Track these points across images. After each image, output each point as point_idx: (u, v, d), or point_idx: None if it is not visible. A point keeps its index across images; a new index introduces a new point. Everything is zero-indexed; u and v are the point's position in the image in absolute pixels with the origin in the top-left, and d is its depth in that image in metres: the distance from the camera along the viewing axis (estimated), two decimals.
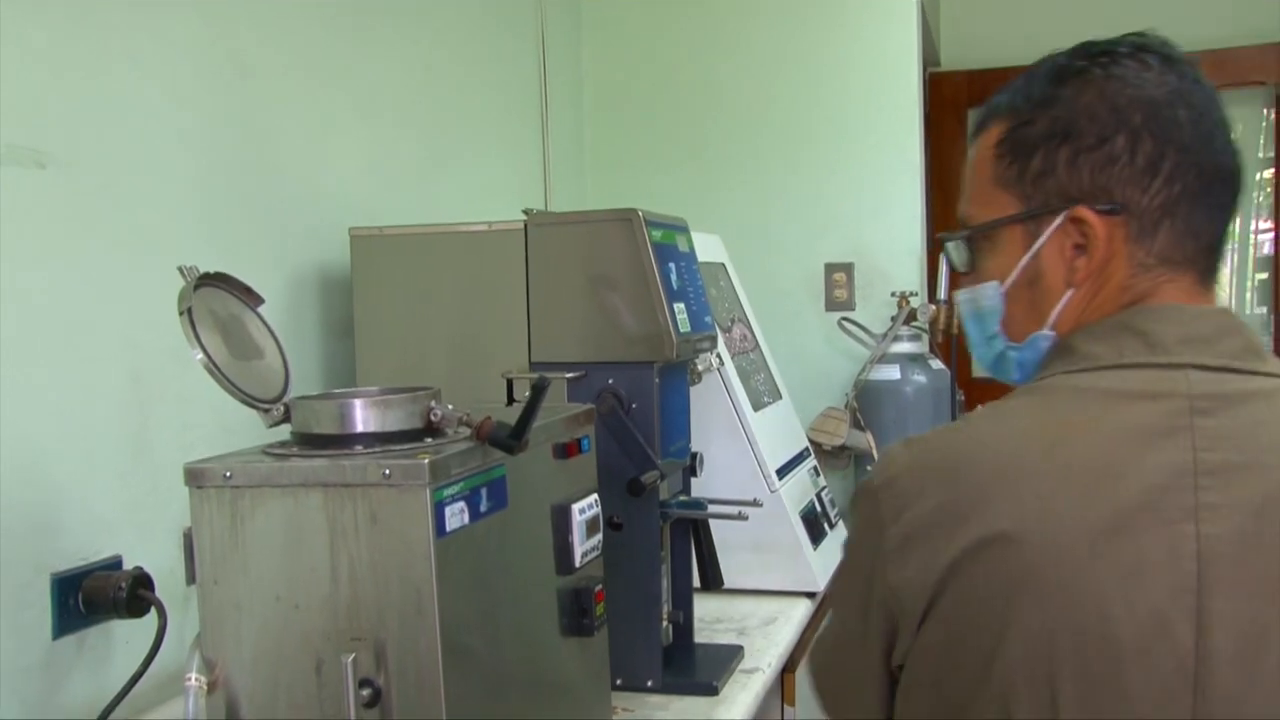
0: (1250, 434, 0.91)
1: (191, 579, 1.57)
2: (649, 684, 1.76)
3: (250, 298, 1.35)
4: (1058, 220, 1.00)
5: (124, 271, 1.52)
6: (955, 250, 1.09)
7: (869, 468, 1.04)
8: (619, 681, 1.72)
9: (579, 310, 1.75)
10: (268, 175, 1.86)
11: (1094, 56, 1.02)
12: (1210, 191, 0.99)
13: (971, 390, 3.30)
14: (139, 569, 1.43)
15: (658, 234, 1.77)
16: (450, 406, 1.24)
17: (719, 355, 2.24)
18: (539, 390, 1.20)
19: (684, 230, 1.92)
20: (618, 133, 3.26)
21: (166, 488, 1.56)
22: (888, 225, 3.09)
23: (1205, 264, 1.01)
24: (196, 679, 1.17)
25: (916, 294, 3.04)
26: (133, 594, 1.40)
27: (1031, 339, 1.04)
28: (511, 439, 1.20)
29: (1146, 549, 0.87)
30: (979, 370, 3.93)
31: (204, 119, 1.70)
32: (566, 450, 1.41)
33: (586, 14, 3.29)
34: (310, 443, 1.22)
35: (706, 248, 2.34)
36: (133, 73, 1.55)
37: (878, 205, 3.09)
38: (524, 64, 2.92)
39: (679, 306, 1.76)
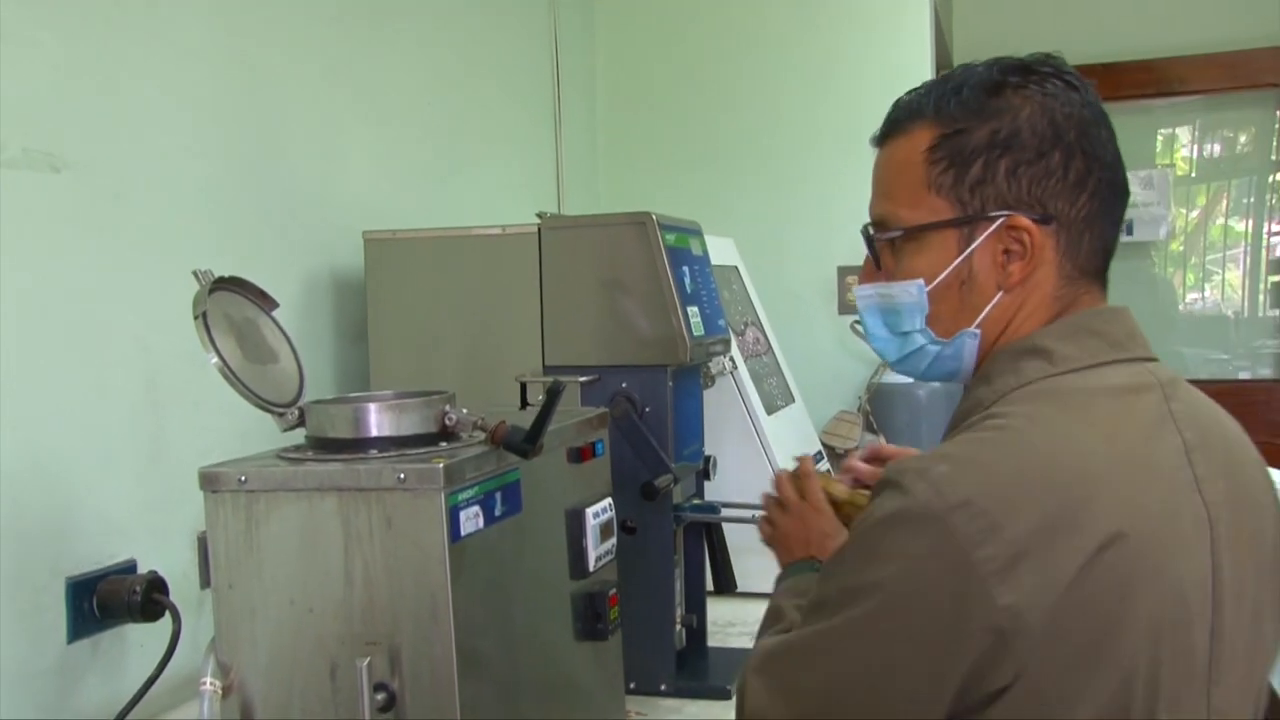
0: (1196, 412, 1.05)
1: (205, 583, 1.57)
2: (662, 687, 1.76)
3: (265, 302, 1.35)
4: (993, 226, 1.04)
5: (138, 275, 1.52)
6: (878, 247, 1.12)
7: (893, 495, 0.94)
8: (632, 685, 1.72)
9: (592, 314, 1.75)
10: (281, 179, 1.86)
11: (1025, 74, 1.05)
12: (1116, 207, 1.07)
13: None
14: (153, 573, 1.44)
15: (671, 237, 1.77)
16: (465, 410, 1.24)
17: (732, 359, 2.23)
18: (554, 394, 1.20)
19: (697, 233, 1.92)
20: (630, 136, 3.26)
21: (180, 492, 1.56)
22: None
23: (1105, 273, 1.10)
24: (211, 683, 1.17)
25: None
26: (147, 598, 1.40)
27: (958, 337, 1.08)
28: (526, 443, 1.20)
29: (1188, 529, 0.95)
30: None
31: (218, 123, 1.71)
32: (581, 454, 1.41)
33: (599, 17, 3.29)
34: (325, 447, 1.22)
35: (719, 251, 2.33)
36: (147, 78, 1.56)
37: None
38: (537, 67, 2.92)
39: (692, 310, 1.75)
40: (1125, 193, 1.08)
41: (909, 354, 1.13)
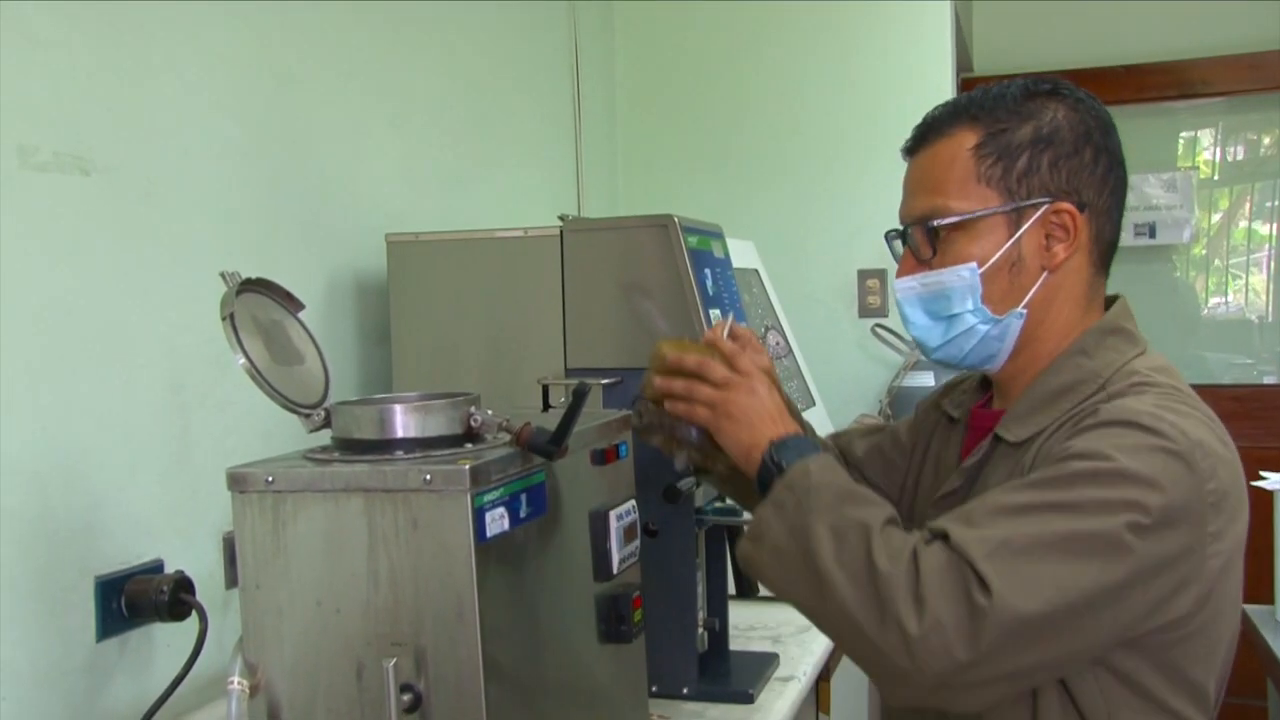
0: None
1: (231, 583, 1.59)
2: (685, 691, 1.76)
3: (291, 303, 1.36)
4: (1039, 212, 1.18)
5: (166, 277, 1.53)
6: (923, 239, 1.22)
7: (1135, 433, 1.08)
8: (655, 688, 1.72)
9: (614, 316, 1.76)
10: (306, 182, 1.87)
11: (1053, 86, 1.21)
12: (1124, 202, 1.24)
13: None
14: (180, 573, 1.45)
15: (693, 240, 1.77)
16: (490, 412, 1.24)
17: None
18: (580, 395, 1.20)
19: (719, 236, 1.92)
20: (650, 138, 3.27)
21: (207, 492, 1.57)
22: None
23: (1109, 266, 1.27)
24: (239, 682, 1.18)
25: None
26: (174, 597, 1.41)
27: (1008, 316, 1.20)
28: (551, 444, 1.20)
29: None
30: None
31: (244, 127, 1.72)
32: (605, 456, 1.41)
33: (619, 21, 3.29)
34: (351, 448, 1.22)
35: (739, 254, 2.33)
36: (174, 82, 1.57)
37: None
38: (557, 70, 2.93)
39: (714, 312, 1.75)
40: (1128, 191, 1.25)
41: (955, 336, 1.22)
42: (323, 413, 1.28)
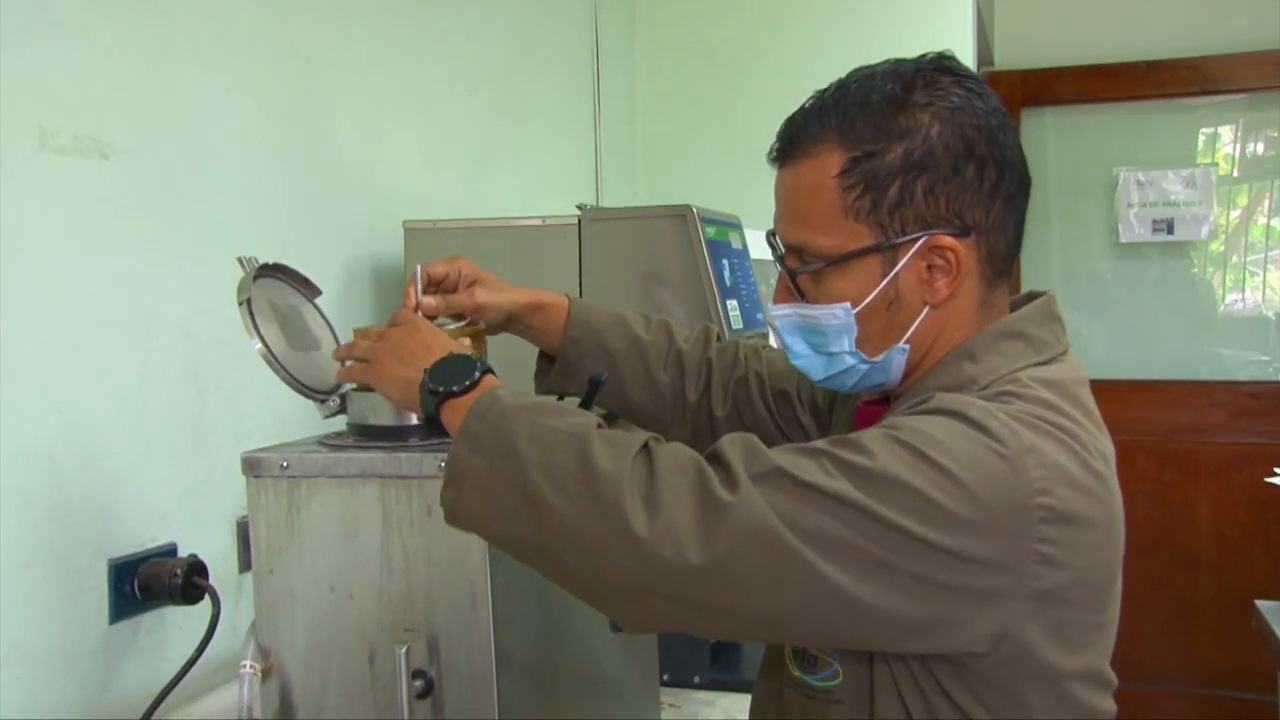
0: None
1: (244, 567, 1.60)
2: (696, 680, 1.76)
3: (308, 289, 1.36)
4: (915, 246, 1.04)
5: (183, 261, 1.53)
6: (796, 278, 1.09)
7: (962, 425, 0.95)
8: (666, 677, 1.72)
9: (632, 305, 1.74)
10: (325, 167, 1.87)
11: (928, 87, 1.04)
12: (1023, 201, 1.08)
13: None
14: (193, 556, 1.45)
15: (711, 230, 1.77)
16: None
17: (770, 345, 2.22)
18: (595, 384, 1.20)
19: (737, 227, 1.92)
20: (669, 128, 3.26)
21: (221, 477, 1.57)
22: None
23: (1010, 273, 1.12)
24: (252, 665, 1.18)
25: None
26: (187, 581, 1.41)
27: (888, 354, 1.08)
28: None
29: None
30: None
31: (264, 111, 1.72)
32: None
33: (640, 10, 3.29)
34: (366, 434, 1.22)
35: (757, 245, 2.33)
36: (195, 65, 1.57)
37: None
38: (577, 60, 2.92)
39: (732, 303, 1.75)
40: (1029, 186, 1.09)
41: (836, 373, 1.12)
42: (338, 399, 1.28)
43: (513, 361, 1.40)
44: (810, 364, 1.13)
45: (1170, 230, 3.91)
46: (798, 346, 1.13)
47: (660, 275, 1.73)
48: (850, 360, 1.09)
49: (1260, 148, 3.98)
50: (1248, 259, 4.03)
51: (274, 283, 1.31)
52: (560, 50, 2.85)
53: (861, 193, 1.03)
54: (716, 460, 0.95)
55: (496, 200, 2.40)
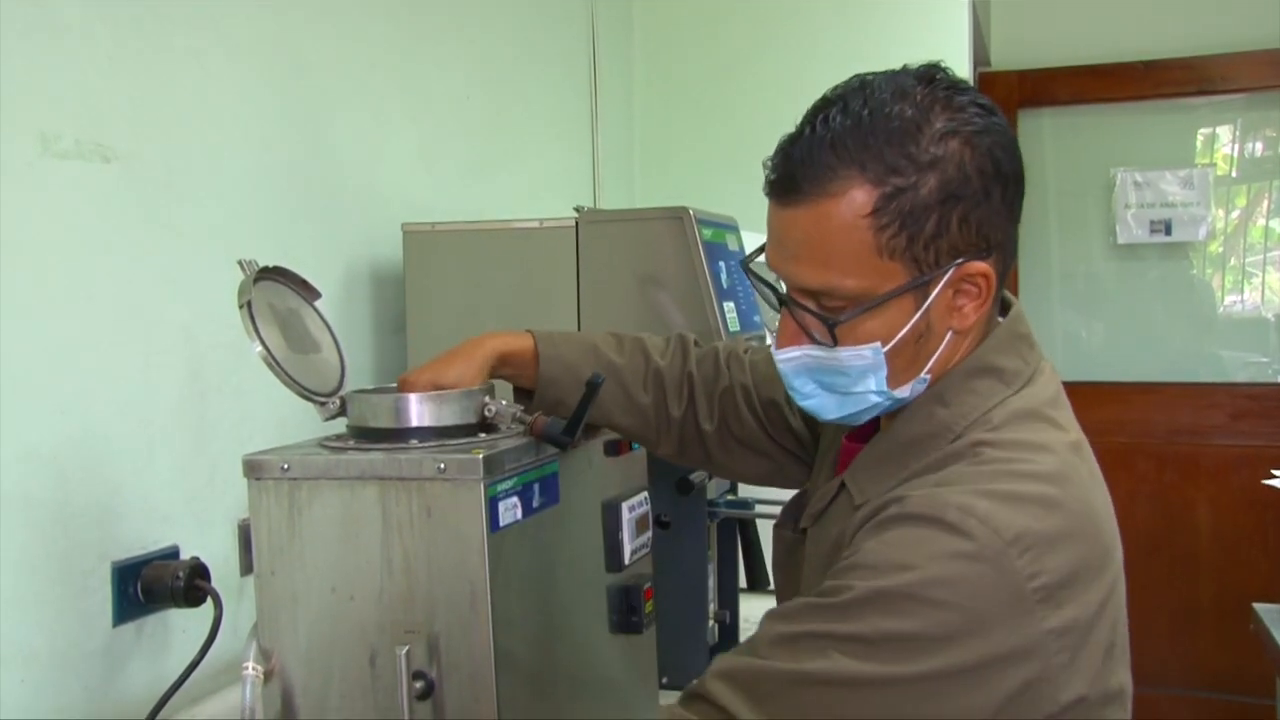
0: None
1: (246, 569, 1.60)
2: (695, 683, 1.76)
3: (308, 292, 1.37)
4: (947, 277, 1.01)
5: (184, 265, 1.54)
6: (816, 323, 1.04)
7: (940, 534, 0.95)
8: (665, 680, 1.73)
9: (629, 308, 1.76)
10: (324, 171, 1.88)
11: (943, 109, 1.00)
12: (1021, 208, 1.07)
13: None
14: (196, 559, 1.46)
15: (708, 232, 1.77)
16: (504, 402, 1.25)
17: (754, 348, 2.23)
18: (593, 387, 1.21)
19: (734, 229, 1.92)
20: (667, 131, 3.27)
21: (222, 479, 1.58)
22: None
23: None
24: (253, 668, 1.19)
25: None
26: (190, 583, 1.42)
27: (911, 386, 1.06)
28: (565, 435, 1.21)
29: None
30: None
31: (264, 115, 1.73)
32: (617, 448, 1.42)
33: (638, 13, 3.29)
34: (366, 436, 1.23)
35: (753, 247, 2.34)
36: (196, 70, 1.58)
37: None
38: (575, 62, 2.93)
39: (728, 305, 1.76)
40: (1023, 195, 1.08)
41: (853, 412, 1.09)
42: (338, 401, 1.29)
43: None
44: (821, 404, 1.09)
45: (1168, 231, 3.91)
46: (806, 388, 1.09)
47: (657, 277, 1.74)
48: (875, 399, 1.06)
49: (1258, 148, 3.98)
50: (1247, 260, 4.04)
51: (274, 286, 1.32)
52: (558, 53, 2.86)
53: (897, 231, 0.98)
54: (706, 701, 0.97)
55: (494, 203, 2.41)
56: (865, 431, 1.16)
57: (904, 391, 1.06)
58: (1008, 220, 1.03)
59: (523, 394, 1.40)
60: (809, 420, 1.33)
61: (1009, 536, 0.92)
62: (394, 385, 1.32)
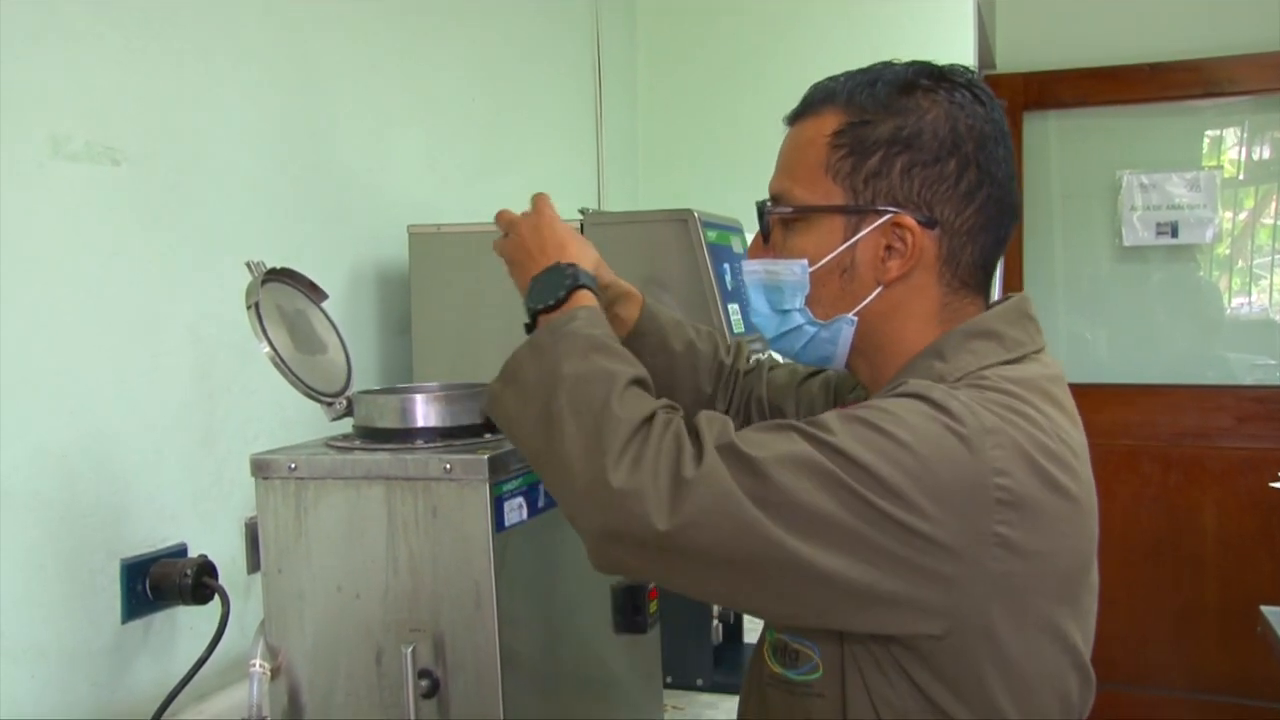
0: None
1: (252, 568, 1.61)
2: (699, 682, 1.77)
3: (315, 293, 1.38)
4: (880, 220, 1.07)
5: (192, 266, 1.55)
6: (767, 222, 1.14)
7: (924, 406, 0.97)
8: (670, 679, 1.74)
9: None
10: (330, 173, 1.89)
11: (937, 79, 1.09)
12: (1003, 225, 1.10)
13: None
14: (203, 557, 1.47)
15: (712, 234, 1.78)
16: None
17: (770, 356, 2.24)
18: None
19: (738, 231, 1.93)
20: (671, 133, 3.28)
21: (229, 479, 1.59)
22: None
23: (988, 287, 1.13)
24: (260, 665, 1.20)
25: None
26: (198, 581, 1.43)
27: (835, 321, 1.11)
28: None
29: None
30: None
31: (271, 118, 1.74)
32: None
33: (641, 16, 3.30)
34: (372, 437, 1.24)
35: None
36: (203, 73, 1.59)
37: None
38: (580, 64, 2.94)
39: (733, 307, 1.76)
40: (1012, 213, 1.11)
41: (786, 332, 1.14)
42: (345, 401, 1.30)
43: None
44: (766, 322, 1.16)
45: (1174, 233, 3.91)
46: (759, 303, 1.16)
47: (662, 279, 1.74)
48: (799, 319, 1.12)
49: (1265, 150, 3.98)
50: (1254, 262, 4.03)
51: (281, 287, 1.33)
52: (562, 55, 2.87)
53: (845, 154, 1.07)
54: (693, 433, 0.98)
55: (499, 204, 2.40)
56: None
57: (828, 324, 1.11)
58: (962, 203, 1.06)
59: None
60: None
61: (987, 425, 0.95)
62: (400, 386, 1.33)
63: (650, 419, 0.98)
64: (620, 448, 0.96)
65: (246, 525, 1.62)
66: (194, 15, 1.57)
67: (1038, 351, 1.09)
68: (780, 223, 1.13)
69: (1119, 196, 3.94)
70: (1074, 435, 1.04)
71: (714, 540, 0.93)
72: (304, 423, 1.53)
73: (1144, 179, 3.89)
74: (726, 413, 1.42)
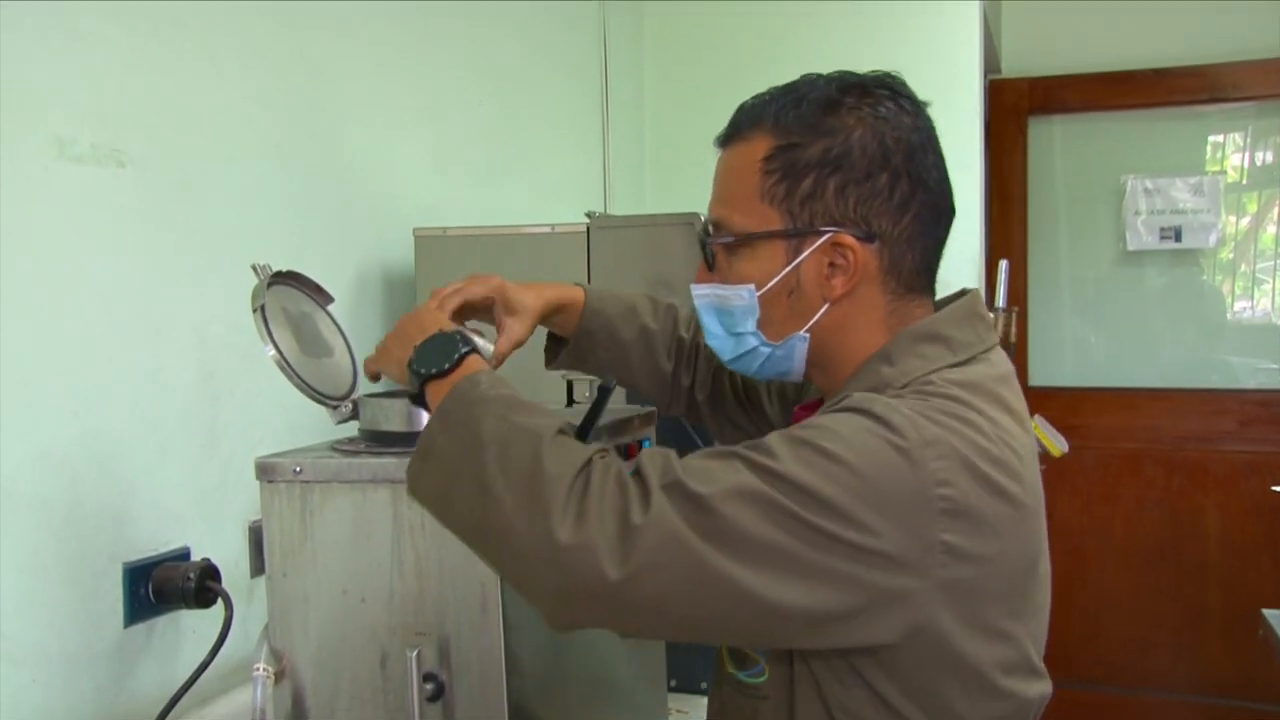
0: None
1: (256, 571, 1.61)
2: (703, 685, 1.77)
3: (321, 296, 1.37)
4: (820, 241, 1.08)
5: (198, 269, 1.55)
6: (710, 250, 1.15)
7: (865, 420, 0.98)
8: (674, 682, 1.73)
9: None
10: (337, 176, 1.89)
11: (861, 93, 1.09)
12: (939, 226, 1.12)
13: (1030, 398, 3.27)
14: (207, 560, 1.47)
15: None
16: None
17: None
18: (605, 391, 1.21)
19: None
20: (678, 136, 3.27)
21: (233, 482, 1.59)
22: None
23: (933, 287, 1.15)
24: (264, 668, 1.20)
25: None
26: (201, 585, 1.43)
27: (789, 340, 1.12)
28: (576, 439, 1.21)
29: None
30: (1036, 379, 3.91)
31: (276, 120, 1.74)
32: (628, 451, 1.42)
33: (648, 19, 3.30)
34: (378, 440, 1.24)
35: None
36: (209, 75, 1.59)
37: None
38: (586, 67, 2.94)
39: None
40: (948, 215, 1.12)
41: (742, 354, 1.15)
42: (350, 405, 1.29)
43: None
44: (721, 344, 1.16)
45: (1178, 238, 3.90)
46: (713, 326, 1.16)
47: (668, 282, 1.74)
48: (753, 342, 1.13)
49: (1269, 156, 3.98)
50: (1257, 267, 4.03)
51: (287, 290, 1.33)
52: (569, 58, 2.87)
53: (779, 179, 1.08)
54: (636, 474, 0.96)
55: (505, 208, 2.42)
56: (817, 403, 1.21)
57: (781, 344, 1.12)
58: (897, 214, 1.07)
59: (552, 340, 1.46)
60: (785, 406, 1.39)
61: (929, 436, 0.96)
62: (401, 390, 1.32)
63: (586, 467, 0.97)
64: (562, 504, 0.93)
65: (250, 529, 1.62)
66: (200, 17, 1.57)
67: (987, 351, 1.11)
68: (724, 249, 1.13)
69: (1123, 201, 3.94)
70: (1018, 437, 1.04)
71: (669, 582, 0.92)
72: (309, 426, 1.53)
73: (1148, 183, 3.89)
74: (690, 387, 1.45)
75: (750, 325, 1.12)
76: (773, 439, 0.97)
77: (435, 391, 1.10)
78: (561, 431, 1.01)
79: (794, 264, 1.09)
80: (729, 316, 1.14)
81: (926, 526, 0.94)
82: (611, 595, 0.92)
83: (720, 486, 0.93)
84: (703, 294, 1.16)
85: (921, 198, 1.08)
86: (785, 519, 0.92)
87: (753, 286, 1.11)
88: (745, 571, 0.91)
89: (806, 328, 1.11)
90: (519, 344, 1.33)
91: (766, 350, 1.13)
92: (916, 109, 1.10)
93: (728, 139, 1.15)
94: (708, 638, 1.03)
